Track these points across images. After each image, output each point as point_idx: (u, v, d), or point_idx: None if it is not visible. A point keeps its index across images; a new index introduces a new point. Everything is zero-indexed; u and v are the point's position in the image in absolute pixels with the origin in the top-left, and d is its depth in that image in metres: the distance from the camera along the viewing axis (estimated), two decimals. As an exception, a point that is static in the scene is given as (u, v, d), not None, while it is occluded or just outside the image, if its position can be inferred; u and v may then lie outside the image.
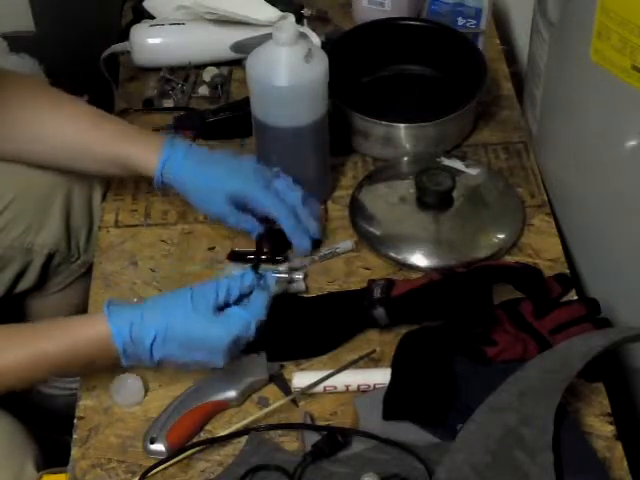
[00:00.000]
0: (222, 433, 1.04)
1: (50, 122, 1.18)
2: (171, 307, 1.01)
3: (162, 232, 1.27)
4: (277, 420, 1.05)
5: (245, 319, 1.01)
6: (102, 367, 1.05)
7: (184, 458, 1.02)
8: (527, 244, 1.24)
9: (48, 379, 1.38)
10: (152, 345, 1.00)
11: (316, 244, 1.22)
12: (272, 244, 1.20)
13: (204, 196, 1.17)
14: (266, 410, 1.05)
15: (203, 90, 1.47)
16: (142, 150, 1.17)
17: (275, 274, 1.13)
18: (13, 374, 1.00)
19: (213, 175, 1.16)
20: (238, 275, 1.05)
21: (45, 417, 1.42)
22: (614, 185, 1.16)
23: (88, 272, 1.30)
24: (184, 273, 1.21)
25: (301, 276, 1.19)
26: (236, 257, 1.22)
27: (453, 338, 1.08)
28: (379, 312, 1.11)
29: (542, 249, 1.23)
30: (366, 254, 1.23)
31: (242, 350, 1.04)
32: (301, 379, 1.07)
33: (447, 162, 1.30)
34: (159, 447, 1.02)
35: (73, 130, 1.19)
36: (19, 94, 1.18)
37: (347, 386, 1.07)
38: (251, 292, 1.04)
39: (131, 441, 1.05)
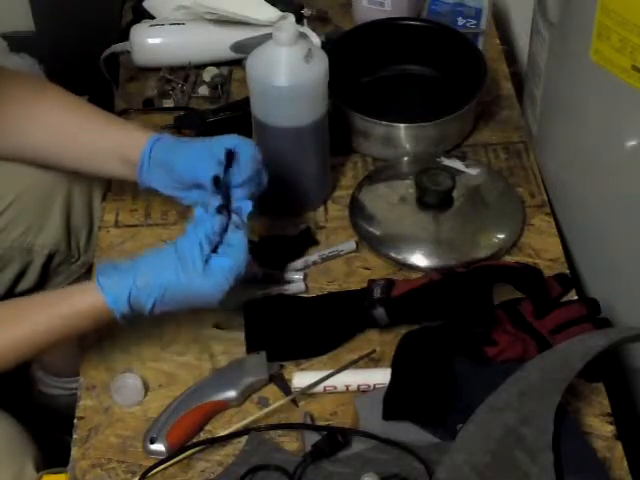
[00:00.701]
0: (222, 433, 1.04)
1: (47, 118, 1.18)
2: (162, 272, 1.01)
3: (162, 232, 1.27)
4: (277, 420, 1.05)
5: (233, 269, 1.01)
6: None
7: (184, 458, 1.02)
8: (527, 244, 1.24)
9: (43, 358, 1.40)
10: (151, 311, 1.01)
11: (314, 242, 1.23)
12: (280, 253, 1.21)
13: (195, 160, 1.10)
14: (266, 410, 1.05)
15: (203, 90, 1.47)
16: (135, 133, 1.16)
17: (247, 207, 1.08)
18: (10, 353, 1.01)
19: (204, 142, 1.13)
20: (209, 221, 1.03)
21: (46, 417, 1.42)
22: (614, 185, 1.16)
23: (88, 272, 1.30)
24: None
25: (301, 276, 1.19)
26: None
27: (453, 338, 1.08)
28: (379, 312, 1.11)
29: (542, 249, 1.23)
30: (366, 254, 1.23)
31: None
32: (301, 379, 1.07)
33: (447, 162, 1.30)
34: (159, 447, 1.02)
35: (69, 124, 1.18)
36: (17, 91, 1.18)
37: (347, 386, 1.07)
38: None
39: (131, 441, 1.05)
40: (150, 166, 1.13)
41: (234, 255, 1.02)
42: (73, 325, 1.02)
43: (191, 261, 1.00)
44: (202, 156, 1.10)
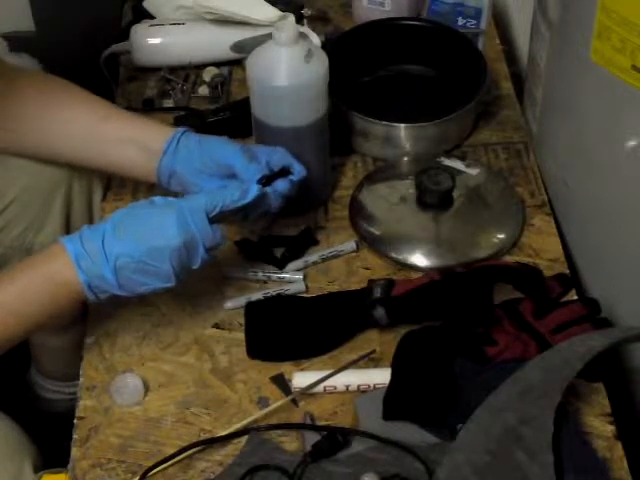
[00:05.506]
0: (222, 433, 1.04)
1: (64, 115, 1.18)
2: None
3: (162, 232, 1.27)
4: (277, 420, 1.05)
5: (201, 208, 1.00)
6: (69, 304, 1.02)
7: (184, 458, 1.02)
8: (527, 244, 1.24)
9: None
10: (104, 241, 0.98)
11: (314, 242, 1.24)
12: (280, 252, 1.21)
13: (223, 147, 1.14)
14: (266, 410, 1.05)
15: (203, 90, 1.47)
16: (155, 124, 1.19)
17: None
18: None
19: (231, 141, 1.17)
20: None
21: (44, 421, 1.42)
22: (614, 185, 1.16)
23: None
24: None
25: (301, 276, 1.19)
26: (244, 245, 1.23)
27: (453, 338, 1.08)
28: (379, 312, 1.11)
29: (542, 249, 1.23)
30: (366, 254, 1.23)
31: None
32: (301, 379, 1.07)
33: (447, 162, 1.30)
34: None
35: (87, 119, 1.19)
36: (32, 90, 1.18)
37: (347, 386, 1.07)
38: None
39: (131, 441, 1.05)
40: (178, 149, 1.14)
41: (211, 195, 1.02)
42: (37, 276, 1.00)
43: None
44: (238, 147, 1.12)
